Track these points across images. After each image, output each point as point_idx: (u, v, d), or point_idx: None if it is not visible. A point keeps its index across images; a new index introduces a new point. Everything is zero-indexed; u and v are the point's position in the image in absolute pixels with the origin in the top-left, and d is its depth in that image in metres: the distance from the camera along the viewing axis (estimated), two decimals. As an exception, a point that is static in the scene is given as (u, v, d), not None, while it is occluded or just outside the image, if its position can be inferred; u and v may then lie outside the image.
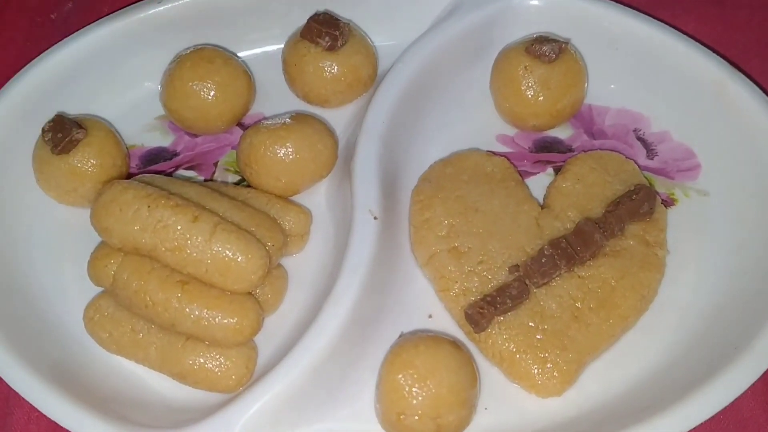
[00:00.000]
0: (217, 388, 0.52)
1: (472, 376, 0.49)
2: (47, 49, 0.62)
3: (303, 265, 0.57)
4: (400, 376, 0.48)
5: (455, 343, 0.50)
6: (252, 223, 0.52)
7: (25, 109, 0.60)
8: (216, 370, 0.51)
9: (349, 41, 0.61)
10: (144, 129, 0.64)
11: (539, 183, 0.59)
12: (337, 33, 0.60)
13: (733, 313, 0.52)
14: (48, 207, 0.59)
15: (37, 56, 0.62)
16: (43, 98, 0.61)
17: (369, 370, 0.52)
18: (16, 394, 0.52)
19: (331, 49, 0.61)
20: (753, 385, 0.48)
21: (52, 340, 0.54)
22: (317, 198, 0.59)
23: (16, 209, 0.59)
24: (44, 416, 0.51)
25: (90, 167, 0.57)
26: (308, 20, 0.61)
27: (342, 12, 0.63)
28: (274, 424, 0.49)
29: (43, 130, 0.57)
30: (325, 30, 0.60)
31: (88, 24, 0.64)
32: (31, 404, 0.52)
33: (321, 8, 0.63)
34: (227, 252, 0.50)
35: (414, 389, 0.47)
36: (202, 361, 0.51)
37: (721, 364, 0.49)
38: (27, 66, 0.61)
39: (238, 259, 0.50)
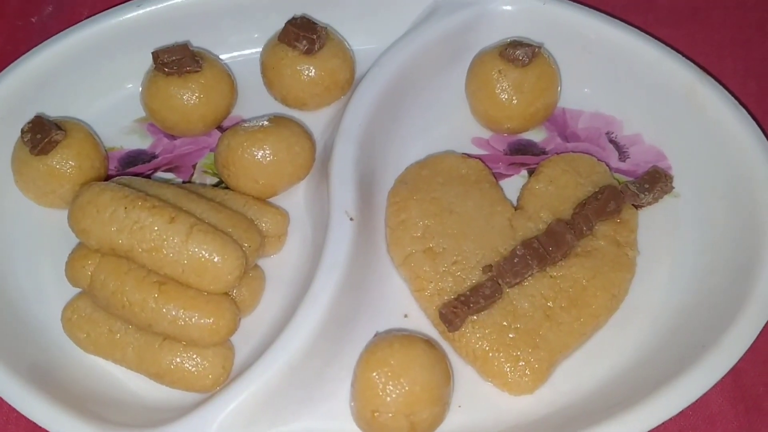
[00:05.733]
0: (194, 388, 0.52)
1: (445, 374, 0.50)
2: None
3: (280, 267, 0.58)
4: (374, 374, 0.49)
5: (429, 342, 0.51)
6: (229, 224, 0.53)
7: (4, 112, 0.61)
8: (193, 370, 0.52)
9: (327, 45, 0.62)
10: (123, 131, 0.64)
11: (514, 185, 0.60)
12: (315, 37, 0.61)
13: (702, 312, 0.53)
14: (26, 209, 0.60)
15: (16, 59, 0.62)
16: (23, 101, 0.61)
17: (345, 369, 0.52)
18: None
19: (309, 52, 0.62)
20: (721, 381, 0.49)
21: (30, 341, 0.54)
22: (296, 200, 0.60)
23: (-5, 211, 0.59)
24: (23, 417, 0.52)
25: (68, 169, 0.58)
26: (286, 24, 0.62)
27: (320, 16, 0.64)
28: (250, 422, 0.50)
29: (23, 131, 0.58)
30: (303, 34, 0.61)
31: (68, 27, 0.64)
32: (9, 405, 0.52)
33: (299, 12, 0.63)
34: (203, 252, 0.50)
35: (388, 387, 0.48)
36: (179, 361, 0.52)
37: (689, 362, 0.50)
38: (6, 68, 0.62)
39: (215, 260, 0.50)
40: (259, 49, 0.65)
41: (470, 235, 0.56)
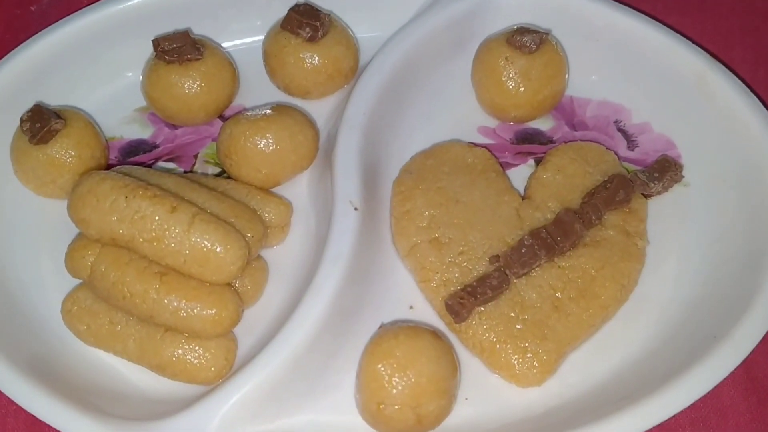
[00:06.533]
0: (196, 380, 0.51)
1: (452, 366, 0.49)
2: (27, 40, 0.62)
3: (284, 257, 0.57)
4: (380, 365, 0.48)
5: (435, 333, 0.50)
6: (231, 214, 0.52)
7: (3, 101, 0.60)
8: (195, 361, 0.51)
9: (330, 32, 0.61)
10: (123, 121, 0.63)
11: (520, 174, 0.59)
12: (318, 24, 0.60)
13: (713, 303, 0.53)
14: (26, 199, 0.59)
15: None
16: (22, 89, 0.61)
17: (349, 361, 0.52)
18: (-7, 388, 0.51)
19: (312, 40, 0.61)
20: (733, 374, 0.48)
21: (29, 333, 0.53)
22: (299, 190, 0.59)
23: (-6, 201, 0.58)
24: (22, 409, 0.51)
25: (68, 158, 0.57)
26: (289, 11, 0.61)
27: (323, 3, 0.63)
28: (253, 415, 0.49)
29: (22, 120, 0.57)
30: (306, 21, 0.60)
31: (68, 15, 0.63)
32: (8, 398, 0.51)
33: (302, -1, 0.63)
34: (206, 242, 0.49)
35: (394, 379, 0.47)
36: (180, 352, 0.51)
37: (700, 353, 0.49)
38: (5, 57, 0.61)
39: (217, 250, 0.49)
40: (262, 37, 0.64)
41: (477, 225, 0.55)
